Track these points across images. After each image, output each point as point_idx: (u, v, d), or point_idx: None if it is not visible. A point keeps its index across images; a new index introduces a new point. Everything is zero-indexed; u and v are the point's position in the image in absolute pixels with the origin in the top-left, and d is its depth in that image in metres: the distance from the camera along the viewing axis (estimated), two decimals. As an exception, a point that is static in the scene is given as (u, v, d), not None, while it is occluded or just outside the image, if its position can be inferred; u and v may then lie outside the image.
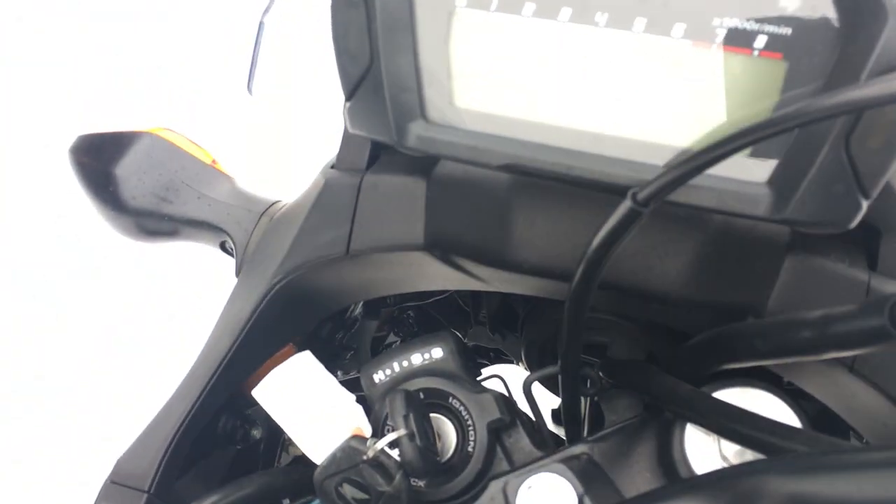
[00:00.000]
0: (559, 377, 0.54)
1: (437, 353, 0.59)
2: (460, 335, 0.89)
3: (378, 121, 0.47)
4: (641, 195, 0.40)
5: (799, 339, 0.42)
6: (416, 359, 0.59)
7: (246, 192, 0.74)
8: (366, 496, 0.50)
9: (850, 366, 0.49)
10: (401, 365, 0.59)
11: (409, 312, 0.86)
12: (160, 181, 0.73)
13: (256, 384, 0.66)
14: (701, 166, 0.38)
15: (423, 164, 0.57)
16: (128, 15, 2.95)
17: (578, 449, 0.53)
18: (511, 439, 0.57)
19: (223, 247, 0.73)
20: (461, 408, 0.56)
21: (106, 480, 0.60)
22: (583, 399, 0.71)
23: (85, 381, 2.22)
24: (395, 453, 0.51)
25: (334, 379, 0.58)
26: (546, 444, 0.58)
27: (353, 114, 0.48)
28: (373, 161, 0.59)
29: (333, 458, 0.51)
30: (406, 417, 0.51)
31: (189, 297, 2.09)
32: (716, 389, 0.53)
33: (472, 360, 0.61)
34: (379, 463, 0.50)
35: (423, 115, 0.47)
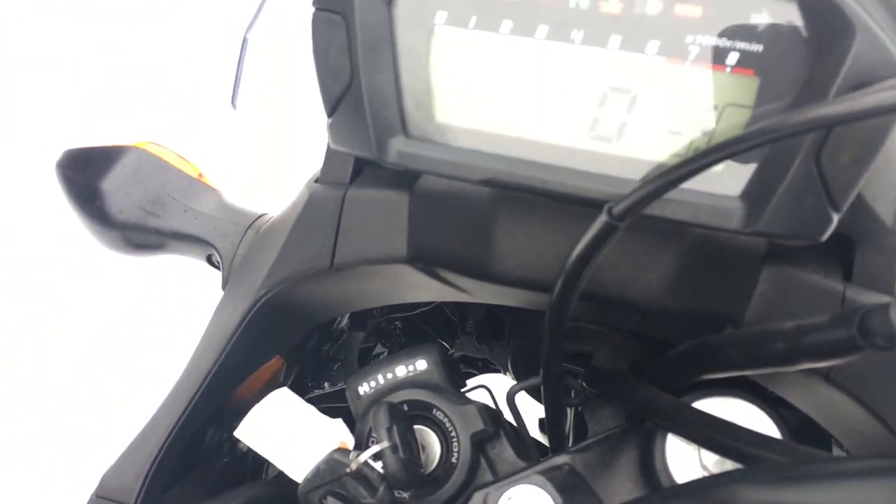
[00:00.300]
0: (541, 387, 0.54)
1: (422, 364, 0.59)
2: (447, 346, 0.89)
3: (359, 137, 0.48)
4: (617, 210, 0.41)
5: (773, 349, 0.42)
6: (401, 371, 0.60)
7: (232, 206, 0.75)
8: (351, 509, 0.51)
9: (827, 375, 0.49)
10: (385, 377, 0.60)
11: (396, 323, 0.86)
12: (147, 195, 0.74)
13: (243, 397, 0.66)
14: (674, 181, 0.39)
15: (405, 178, 0.57)
16: (128, 15, 2.95)
17: (561, 459, 0.53)
18: (495, 450, 0.57)
19: (210, 260, 0.74)
20: (445, 419, 0.57)
21: (92, 495, 0.60)
22: (569, 409, 0.72)
23: (85, 381, 2.22)
24: (378, 465, 0.51)
25: (312, 408, 0.59)
26: (530, 455, 0.58)
27: (334, 130, 0.49)
28: (356, 175, 0.60)
29: (317, 471, 0.51)
30: (389, 430, 0.52)
31: (189, 297, 2.09)
32: (696, 399, 0.54)
33: (456, 372, 0.62)
34: (362, 475, 0.50)
35: (403, 130, 0.48)
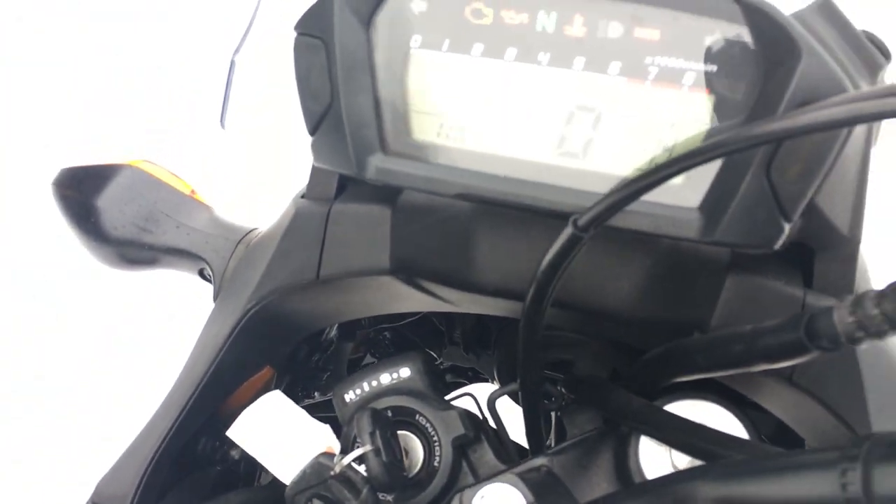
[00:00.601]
0: (519, 393, 0.57)
1: (405, 372, 0.62)
2: (433, 354, 0.91)
3: (340, 154, 0.50)
4: (581, 221, 0.43)
5: (733, 352, 0.45)
6: (385, 378, 0.62)
7: (223, 221, 0.77)
8: (335, 511, 0.53)
9: (790, 377, 0.52)
10: (370, 385, 0.62)
11: (385, 334, 0.88)
12: (140, 212, 0.76)
13: (234, 406, 0.68)
14: (633, 194, 0.41)
15: (388, 193, 0.60)
16: (128, 15, 2.95)
17: (538, 461, 0.55)
18: (476, 454, 0.59)
19: (202, 274, 0.76)
20: (427, 424, 0.59)
21: (88, 501, 0.62)
22: (552, 414, 0.74)
23: (85, 381, 2.22)
24: (362, 469, 0.53)
25: (303, 412, 0.61)
26: (510, 458, 0.60)
27: (316, 148, 0.51)
28: (341, 191, 0.62)
29: (303, 475, 0.53)
30: (372, 434, 0.54)
31: (189, 297, 2.10)
32: (668, 402, 0.56)
33: (440, 380, 0.64)
34: (346, 478, 0.53)
35: (382, 148, 0.50)
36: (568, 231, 0.44)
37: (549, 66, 0.46)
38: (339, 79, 0.48)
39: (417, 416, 0.59)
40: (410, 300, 0.65)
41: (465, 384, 1.03)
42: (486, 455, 0.59)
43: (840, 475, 0.34)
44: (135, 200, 0.76)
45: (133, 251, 0.76)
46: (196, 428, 0.64)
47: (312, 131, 0.50)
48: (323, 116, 0.50)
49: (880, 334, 0.36)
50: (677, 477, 0.42)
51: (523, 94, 0.47)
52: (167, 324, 2.20)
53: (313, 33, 0.49)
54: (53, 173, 0.78)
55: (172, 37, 2.88)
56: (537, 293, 0.48)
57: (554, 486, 0.52)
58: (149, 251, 0.76)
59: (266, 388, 0.75)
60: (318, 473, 0.53)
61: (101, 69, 2.85)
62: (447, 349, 0.91)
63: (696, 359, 0.48)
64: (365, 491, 0.52)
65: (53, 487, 1.96)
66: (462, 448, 0.59)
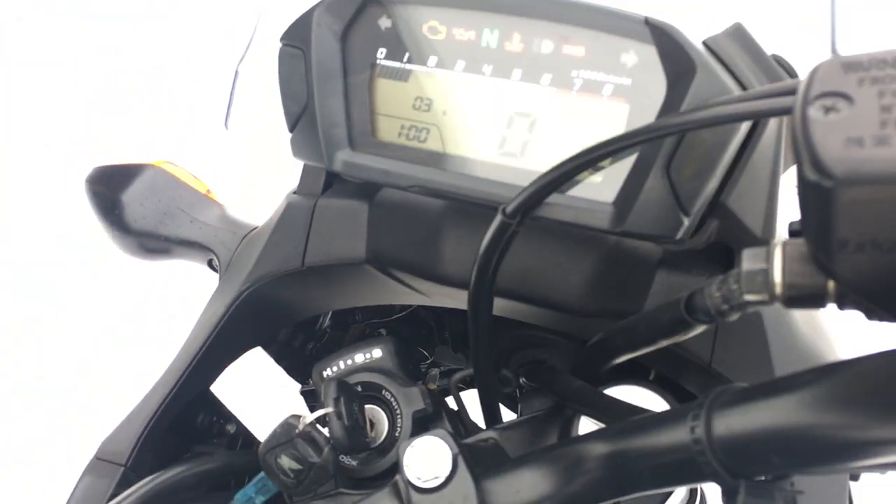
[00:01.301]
0: (474, 375, 0.63)
1: (378, 353, 0.68)
2: (425, 353, 0.98)
3: (313, 149, 0.58)
4: (509, 209, 0.50)
5: (640, 332, 0.51)
6: (359, 357, 0.69)
7: (233, 218, 0.85)
8: (300, 467, 0.60)
9: (709, 364, 0.57)
10: (346, 362, 0.69)
11: (380, 330, 0.95)
12: (159, 207, 0.85)
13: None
14: (549, 184, 0.48)
15: (368, 191, 0.67)
16: (128, 15, 2.96)
17: (487, 434, 0.61)
18: (434, 427, 0.66)
19: (210, 264, 0.84)
20: (392, 399, 0.66)
21: (92, 458, 0.70)
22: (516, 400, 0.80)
23: (85, 381, 2.22)
24: (326, 431, 0.60)
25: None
26: (467, 434, 0.67)
27: (294, 143, 0.59)
28: (327, 187, 0.70)
29: (274, 434, 0.60)
30: (336, 399, 0.60)
31: (189, 297, 2.11)
32: (608, 387, 0.62)
33: (410, 361, 0.70)
34: (311, 437, 0.59)
35: (349, 145, 0.58)
36: (498, 219, 0.50)
37: (492, 77, 0.53)
38: (314, 84, 0.56)
39: (384, 392, 0.66)
40: (388, 292, 0.72)
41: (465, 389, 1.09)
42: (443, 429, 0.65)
43: (691, 421, 0.40)
44: (155, 196, 0.85)
45: (151, 241, 0.85)
46: (191, 397, 0.72)
47: (291, 129, 0.58)
48: (300, 116, 0.57)
49: (741, 307, 0.41)
50: (581, 438, 0.48)
51: (470, 101, 0.54)
52: (167, 324, 2.16)
53: (295, 44, 0.56)
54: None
55: (172, 37, 2.86)
56: (478, 278, 0.54)
57: (495, 452, 0.58)
58: (164, 242, 0.84)
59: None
60: (286, 433, 0.60)
61: (101, 69, 2.86)
62: (438, 348, 0.97)
63: (617, 342, 0.54)
64: (326, 450, 0.59)
65: (53, 487, 1.96)
66: (422, 421, 0.65)
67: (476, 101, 0.54)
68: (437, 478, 0.49)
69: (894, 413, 0.33)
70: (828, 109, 0.30)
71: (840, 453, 0.35)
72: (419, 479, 0.49)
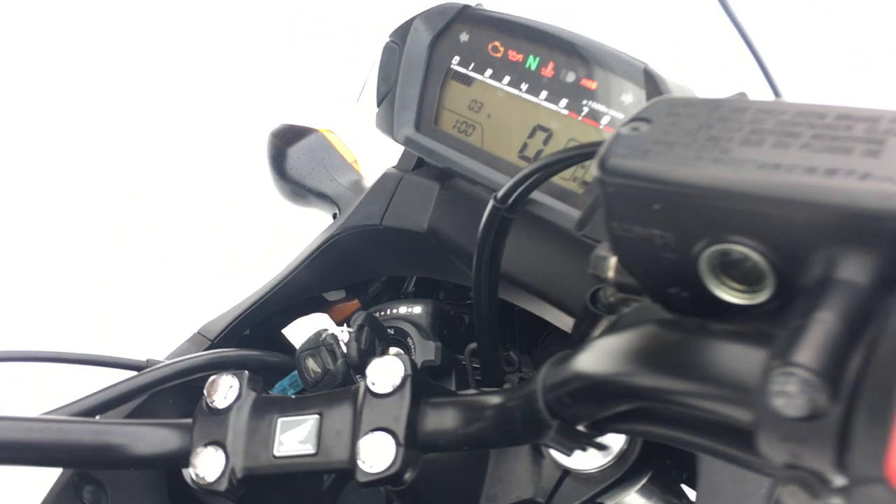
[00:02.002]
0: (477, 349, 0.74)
1: (417, 309, 0.82)
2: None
3: (388, 124, 0.73)
4: (499, 195, 0.61)
5: (578, 327, 0.60)
6: (403, 309, 0.82)
7: (363, 185, 1.02)
8: (319, 370, 0.74)
9: None
10: (391, 310, 0.83)
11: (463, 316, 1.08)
12: (310, 163, 1.04)
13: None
14: (528, 175, 0.59)
15: (443, 175, 0.80)
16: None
17: (471, 391, 0.72)
18: (439, 381, 0.77)
19: (334, 216, 1.02)
20: (413, 347, 0.79)
21: (194, 332, 0.89)
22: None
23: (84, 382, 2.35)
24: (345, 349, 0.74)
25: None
26: (466, 395, 0.78)
27: (377, 116, 0.74)
28: (418, 167, 0.84)
29: (307, 340, 0.76)
30: (361, 327, 0.75)
31: (190, 297, 2.20)
32: None
33: (445, 327, 0.83)
34: (332, 350, 0.74)
35: (415, 126, 0.72)
36: (491, 203, 0.62)
37: (526, 94, 0.65)
38: (401, 73, 0.71)
39: (408, 339, 0.79)
40: (441, 267, 0.84)
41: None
42: (447, 384, 0.77)
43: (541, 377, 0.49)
44: (310, 155, 1.05)
45: (297, 189, 1.05)
46: (273, 312, 0.89)
47: (378, 105, 0.74)
48: (385, 96, 0.73)
49: (626, 301, 0.50)
50: (491, 391, 0.58)
51: (508, 110, 0.67)
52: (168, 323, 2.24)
53: (396, 40, 0.72)
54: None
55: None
56: (479, 258, 0.66)
57: (443, 392, 0.69)
58: (306, 191, 1.04)
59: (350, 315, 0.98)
60: (314, 341, 0.75)
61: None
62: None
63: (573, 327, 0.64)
64: (340, 362, 0.73)
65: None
66: (429, 370, 0.77)
67: (512, 111, 0.66)
68: (385, 389, 0.61)
69: (656, 366, 0.41)
70: (634, 129, 0.40)
71: (619, 398, 0.43)
72: (373, 385, 0.61)
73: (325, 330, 0.76)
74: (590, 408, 0.46)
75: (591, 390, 0.44)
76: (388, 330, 0.80)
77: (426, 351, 0.78)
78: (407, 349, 0.79)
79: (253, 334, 0.89)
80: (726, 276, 0.37)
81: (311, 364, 0.75)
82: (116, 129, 2.99)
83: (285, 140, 1.07)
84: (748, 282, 0.36)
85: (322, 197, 1.02)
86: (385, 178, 0.85)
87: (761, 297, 0.36)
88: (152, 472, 0.80)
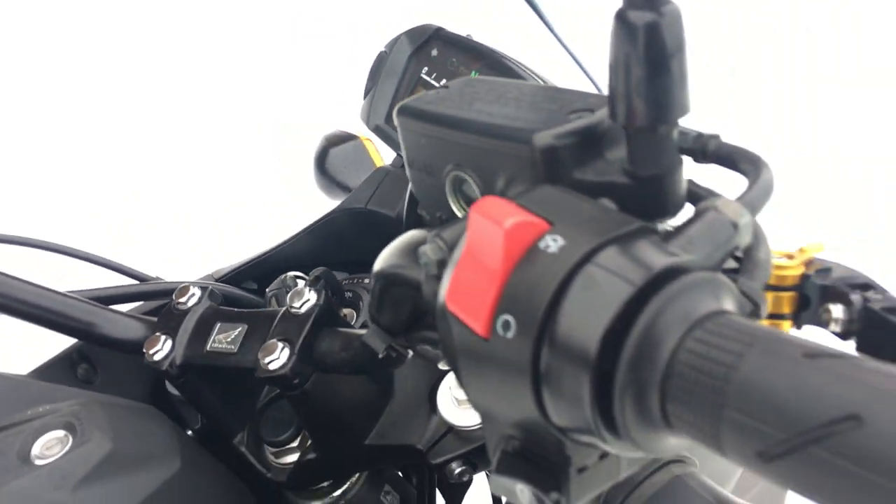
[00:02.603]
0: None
1: (378, 282, 0.95)
2: None
3: (367, 114, 0.88)
4: None
5: None
6: (366, 280, 0.96)
7: (382, 187, 1.18)
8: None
9: None
10: (357, 280, 0.97)
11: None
12: (344, 162, 1.22)
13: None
14: None
15: None
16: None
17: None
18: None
19: (351, 208, 1.18)
20: (363, 309, 0.92)
21: (208, 274, 1.07)
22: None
23: None
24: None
25: None
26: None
27: (362, 107, 0.90)
28: None
29: (275, 282, 0.91)
30: (317, 278, 0.89)
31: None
32: None
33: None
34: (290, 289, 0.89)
35: (385, 119, 0.87)
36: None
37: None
38: (382, 74, 0.87)
39: (360, 302, 0.93)
40: None
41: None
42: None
43: None
44: (347, 156, 1.23)
45: (331, 183, 1.22)
46: (268, 270, 1.05)
47: (364, 97, 0.89)
48: (369, 90, 0.88)
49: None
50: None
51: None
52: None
53: (386, 49, 0.88)
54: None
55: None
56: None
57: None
58: (336, 186, 1.21)
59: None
60: (280, 282, 0.90)
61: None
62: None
63: None
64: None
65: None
66: (370, 329, 0.91)
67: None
68: (298, 311, 0.75)
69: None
70: (436, 92, 0.54)
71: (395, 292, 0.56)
72: (291, 308, 0.76)
73: (292, 274, 0.91)
74: (391, 311, 0.58)
75: (382, 290, 0.57)
76: (347, 293, 0.94)
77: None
78: (358, 311, 0.93)
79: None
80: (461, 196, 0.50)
81: (274, 303, 0.90)
82: (117, 129, 3.17)
83: (331, 142, 1.26)
84: (470, 202, 0.49)
85: (347, 191, 1.19)
86: (378, 171, 1.01)
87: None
88: (145, 367, 0.96)
